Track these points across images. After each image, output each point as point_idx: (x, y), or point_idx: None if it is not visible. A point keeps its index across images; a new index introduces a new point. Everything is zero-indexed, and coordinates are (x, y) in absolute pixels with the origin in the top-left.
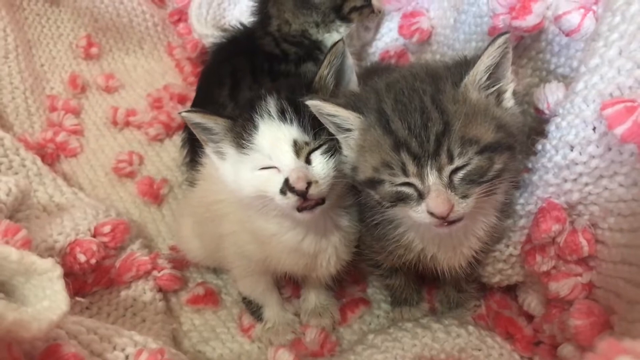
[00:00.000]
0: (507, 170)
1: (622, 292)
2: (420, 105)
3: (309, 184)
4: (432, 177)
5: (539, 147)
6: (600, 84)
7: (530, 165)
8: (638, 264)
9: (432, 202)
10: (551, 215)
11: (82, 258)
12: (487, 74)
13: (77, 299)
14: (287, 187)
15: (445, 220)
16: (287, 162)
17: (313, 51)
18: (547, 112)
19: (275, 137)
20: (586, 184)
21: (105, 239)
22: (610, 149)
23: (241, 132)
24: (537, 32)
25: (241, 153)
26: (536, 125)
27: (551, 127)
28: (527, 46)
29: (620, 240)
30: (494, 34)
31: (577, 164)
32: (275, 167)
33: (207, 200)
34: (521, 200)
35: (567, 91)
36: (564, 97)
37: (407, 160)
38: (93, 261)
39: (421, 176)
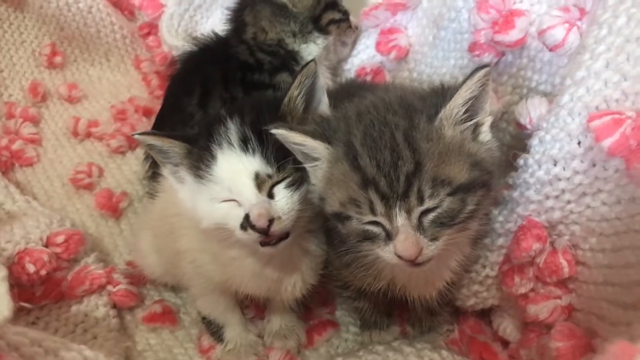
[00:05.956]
0: (480, 209)
1: (606, 314)
2: (391, 142)
3: (272, 220)
4: (400, 219)
5: (521, 162)
6: (587, 96)
7: (510, 182)
8: (621, 284)
9: (400, 245)
10: (532, 234)
11: (31, 268)
12: (465, 108)
13: (22, 304)
14: (247, 223)
15: (413, 262)
16: (248, 196)
17: (288, 61)
18: (529, 126)
19: (235, 169)
20: (568, 202)
21: (58, 250)
22: (594, 165)
23: (198, 161)
24: (519, 48)
25: (199, 183)
26: (515, 143)
27: (534, 142)
28: (508, 63)
29: (603, 261)
30: (475, 50)
31: (560, 179)
32: (235, 200)
33: (166, 213)
34: (500, 218)
35: (550, 106)
36: (548, 111)
37: (375, 199)
38: (43, 272)
39: (389, 216)
